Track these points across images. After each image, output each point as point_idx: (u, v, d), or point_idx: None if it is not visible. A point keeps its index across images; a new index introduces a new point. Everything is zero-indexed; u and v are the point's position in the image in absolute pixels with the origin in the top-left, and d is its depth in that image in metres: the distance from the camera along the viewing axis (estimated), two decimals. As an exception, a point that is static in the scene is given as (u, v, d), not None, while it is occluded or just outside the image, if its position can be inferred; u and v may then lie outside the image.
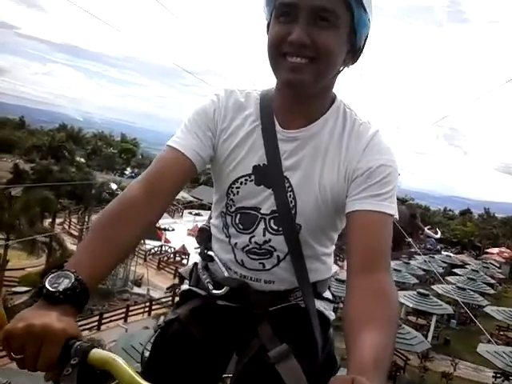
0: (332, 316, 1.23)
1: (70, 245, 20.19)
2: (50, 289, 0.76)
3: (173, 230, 28.98)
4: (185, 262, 23.85)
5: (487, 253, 39.59)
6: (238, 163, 1.07)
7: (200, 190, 38.49)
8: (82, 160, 43.75)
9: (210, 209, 1.24)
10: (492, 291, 20.81)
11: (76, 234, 24.81)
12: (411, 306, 15.03)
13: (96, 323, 14.90)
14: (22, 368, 0.73)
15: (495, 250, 39.24)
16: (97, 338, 12.46)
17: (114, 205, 0.95)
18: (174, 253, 25.08)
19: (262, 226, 1.08)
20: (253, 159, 1.06)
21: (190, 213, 34.86)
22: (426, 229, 33.47)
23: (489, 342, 13.90)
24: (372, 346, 0.73)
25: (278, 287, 1.14)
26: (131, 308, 16.54)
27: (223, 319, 1.18)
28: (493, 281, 23.27)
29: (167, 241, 26.90)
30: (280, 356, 1.03)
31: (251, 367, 1.11)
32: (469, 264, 26.77)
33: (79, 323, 13.74)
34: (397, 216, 0.97)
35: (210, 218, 1.27)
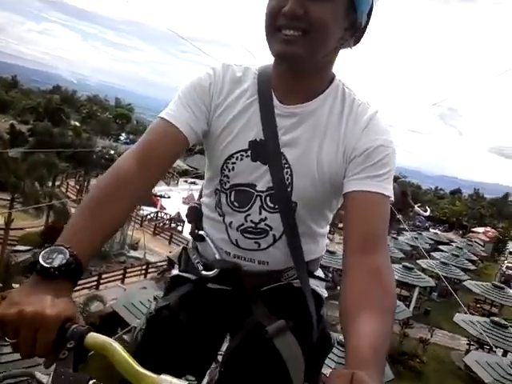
0: (325, 294, 1.22)
1: (70, 207, 20.57)
2: (45, 264, 0.74)
3: (168, 197, 29.49)
4: (180, 228, 24.43)
5: (473, 232, 40.61)
6: (233, 138, 1.04)
7: (195, 158, 38.66)
8: (77, 124, 43.41)
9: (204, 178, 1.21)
10: (473, 267, 21.68)
11: (73, 197, 25.11)
12: (396, 278, 15.54)
13: (95, 283, 15.50)
14: (16, 352, 0.71)
15: (481, 230, 40.21)
16: (99, 295, 13.12)
17: (106, 178, 0.94)
18: (170, 219, 25.60)
19: (257, 203, 1.06)
20: (249, 134, 1.03)
21: (186, 181, 35.16)
22: (416, 206, 34.08)
23: (465, 313, 14.83)
24: (370, 336, 0.72)
25: (271, 268, 1.12)
26: (128, 270, 17.13)
27: (214, 303, 1.17)
28: (475, 258, 24.13)
29: (163, 207, 27.36)
30: (277, 331, 1.03)
31: (247, 342, 1.09)
32: (454, 242, 27.64)
33: (79, 282, 14.26)
34: (393, 198, 0.96)
35: (200, 196, 1.24)
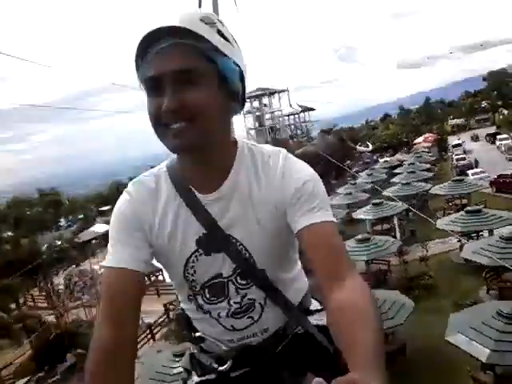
0: None
1: (46, 316, 19.48)
2: None
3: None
4: (160, 277, 23.73)
5: (416, 144, 42.73)
6: (180, 246, 1.06)
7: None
8: (9, 233, 41.00)
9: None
10: (431, 174, 22.79)
11: (44, 304, 23.78)
12: (372, 217, 16.31)
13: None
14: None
15: (421, 139, 42.47)
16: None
17: (92, 359, 0.92)
18: (149, 273, 24.82)
19: (232, 287, 1.10)
20: (192, 236, 1.06)
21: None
22: (357, 146, 35.23)
23: (443, 216, 15.61)
24: (368, 342, 0.75)
25: (272, 331, 1.16)
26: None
27: None
28: (428, 165, 25.48)
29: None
30: None
31: None
32: (405, 160, 28.92)
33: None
34: (336, 220, 1.03)
35: (179, 301, 1.25)
